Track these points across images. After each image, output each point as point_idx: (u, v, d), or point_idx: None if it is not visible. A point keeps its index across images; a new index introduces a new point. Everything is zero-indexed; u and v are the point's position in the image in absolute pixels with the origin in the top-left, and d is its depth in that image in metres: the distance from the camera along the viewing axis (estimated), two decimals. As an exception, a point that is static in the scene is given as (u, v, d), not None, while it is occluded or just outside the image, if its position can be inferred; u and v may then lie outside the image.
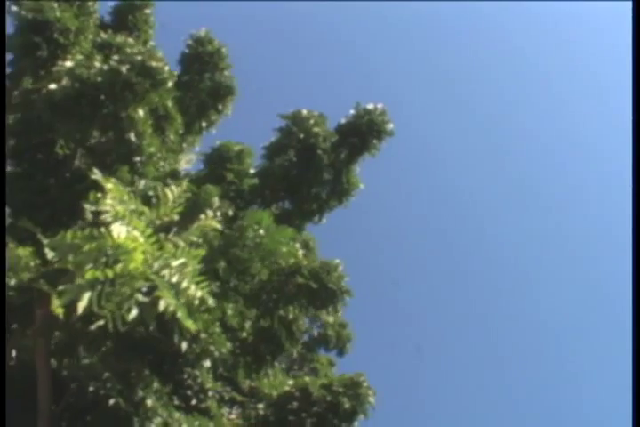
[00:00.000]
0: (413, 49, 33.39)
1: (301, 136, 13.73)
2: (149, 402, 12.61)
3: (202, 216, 11.20)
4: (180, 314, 9.47)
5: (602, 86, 32.63)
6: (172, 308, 9.54)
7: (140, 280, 9.74)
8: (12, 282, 11.46)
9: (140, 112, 11.54)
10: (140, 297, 9.99)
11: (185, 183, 11.20)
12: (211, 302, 9.66)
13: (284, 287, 15.83)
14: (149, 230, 9.92)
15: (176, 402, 13.74)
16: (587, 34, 33.23)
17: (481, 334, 32.90)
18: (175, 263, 9.57)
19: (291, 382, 14.51)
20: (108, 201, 10.83)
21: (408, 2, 31.07)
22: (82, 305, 9.12)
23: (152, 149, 12.25)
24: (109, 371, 12.34)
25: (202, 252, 9.47)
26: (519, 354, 32.27)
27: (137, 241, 9.80)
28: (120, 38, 12.99)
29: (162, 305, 9.45)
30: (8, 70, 13.93)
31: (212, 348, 13.04)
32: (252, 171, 15.02)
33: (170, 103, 13.28)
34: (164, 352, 12.76)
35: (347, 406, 13.73)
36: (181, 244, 10.06)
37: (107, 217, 10.39)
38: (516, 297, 33.59)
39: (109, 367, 12.37)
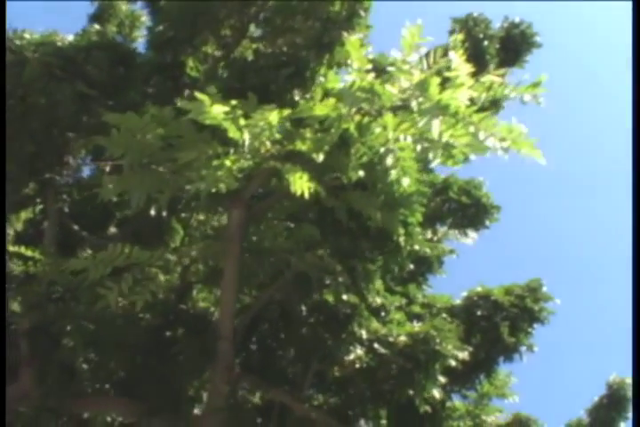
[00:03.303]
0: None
1: (480, 36, 13.60)
2: (378, 300, 11.87)
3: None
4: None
5: (601, 86, 32.43)
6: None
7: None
8: (245, 164, 9.82)
9: None
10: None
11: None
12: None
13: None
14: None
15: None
16: (586, 34, 33.25)
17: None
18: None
19: (464, 293, 14.09)
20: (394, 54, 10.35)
21: None
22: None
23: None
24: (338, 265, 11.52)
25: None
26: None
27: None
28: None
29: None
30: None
31: (416, 247, 12.46)
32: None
33: None
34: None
35: (536, 308, 13.48)
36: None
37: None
38: None
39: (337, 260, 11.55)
